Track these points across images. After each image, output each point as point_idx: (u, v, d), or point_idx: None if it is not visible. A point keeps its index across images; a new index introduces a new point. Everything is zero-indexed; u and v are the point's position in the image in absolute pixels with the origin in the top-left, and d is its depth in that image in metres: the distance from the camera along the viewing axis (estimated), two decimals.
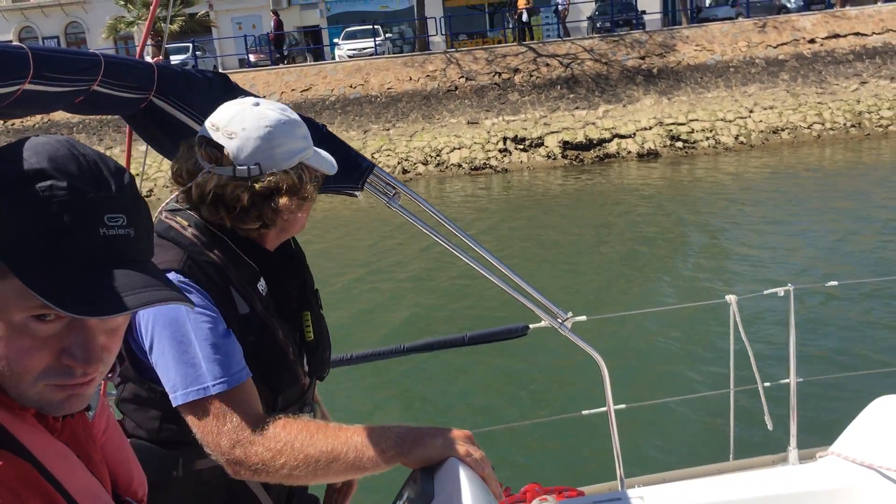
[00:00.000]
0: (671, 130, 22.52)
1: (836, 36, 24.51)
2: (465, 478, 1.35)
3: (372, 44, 30.03)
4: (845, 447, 2.81)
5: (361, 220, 17.44)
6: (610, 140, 22.59)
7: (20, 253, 0.88)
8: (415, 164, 22.38)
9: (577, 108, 23.84)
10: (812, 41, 24.53)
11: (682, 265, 12.19)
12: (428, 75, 25.17)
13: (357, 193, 2.16)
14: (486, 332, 2.82)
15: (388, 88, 24.99)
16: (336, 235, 16.09)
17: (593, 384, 2.26)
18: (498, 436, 6.01)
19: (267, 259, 1.67)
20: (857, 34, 24.45)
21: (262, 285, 1.62)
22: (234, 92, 1.80)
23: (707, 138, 22.24)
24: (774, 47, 24.53)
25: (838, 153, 20.64)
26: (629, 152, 22.14)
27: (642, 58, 24.99)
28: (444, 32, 35.05)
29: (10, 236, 0.89)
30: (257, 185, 1.54)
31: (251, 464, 1.42)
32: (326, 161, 1.70)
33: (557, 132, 22.62)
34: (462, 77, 25.04)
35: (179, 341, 1.47)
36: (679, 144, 22.22)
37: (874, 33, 24.17)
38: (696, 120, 22.75)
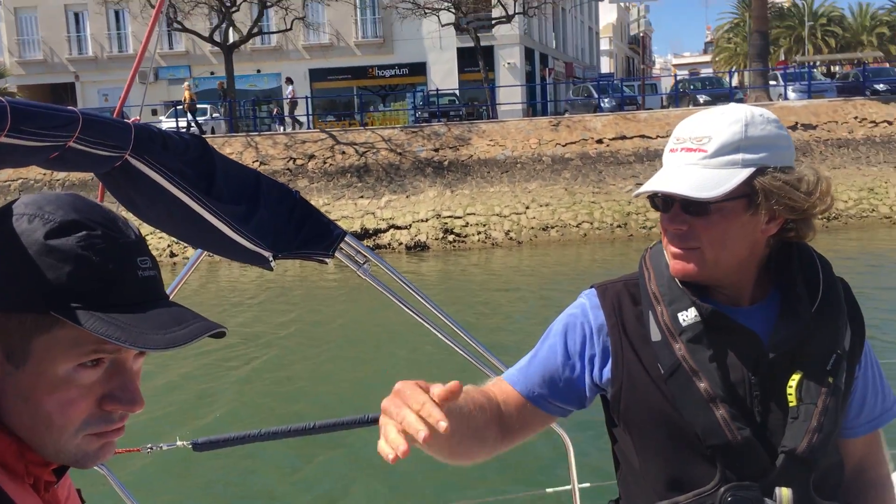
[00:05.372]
0: (446, 223, 22.64)
1: (623, 137, 25.21)
2: None
3: (201, 120, 30.11)
4: None
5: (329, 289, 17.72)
6: (386, 230, 22.59)
7: (71, 302, 0.92)
8: (185, 247, 21.96)
9: (361, 196, 23.87)
10: (600, 141, 25.17)
11: None
12: None
13: (327, 260, 2.15)
14: None
15: None
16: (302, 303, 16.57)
17: (558, 460, 2.13)
18: None
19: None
20: (642, 136, 25.19)
21: (687, 315, 1.54)
22: (211, 155, 1.75)
23: (479, 233, 22.39)
24: (563, 145, 25.09)
25: (594, 253, 20.96)
26: (400, 243, 22.13)
27: (436, 150, 25.28)
28: (309, 113, 35.39)
29: (53, 288, 0.92)
30: None
31: None
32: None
33: (335, 221, 22.54)
34: (257, 161, 24.95)
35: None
36: (451, 238, 22.31)
37: (658, 136, 24.91)
38: (473, 214, 22.95)
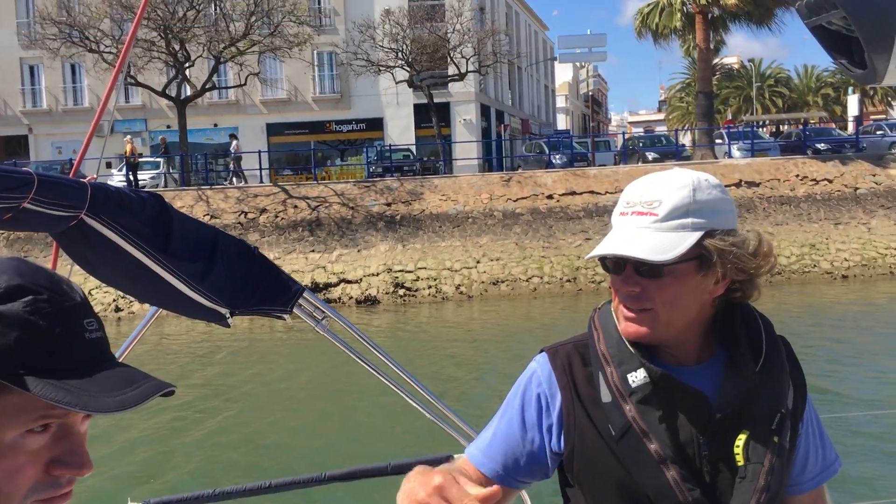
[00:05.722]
0: (397, 277, 22.64)
1: (573, 193, 25.61)
2: None
3: (152, 175, 30.11)
4: None
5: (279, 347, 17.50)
6: (336, 284, 22.51)
7: (19, 368, 0.90)
8: (131, 301, 21.65)
9: (313, 251, 23.82)
10: (550, 197, 25.53)
11: None
12: None
13: (285, 316, 2.15)
14: (409, 462, 2.70)
15: None
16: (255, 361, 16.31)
17: None
18: None
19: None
20: (592, 192, 25.61)
21: (636, 376, 1.55)
22: (169, 213, 1.76)
23: (430, 287, 22.42)
24: (514, 201, 25.39)
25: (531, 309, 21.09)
26: (350, 297, 22.05)
27: (389, 204, 25.41)
28: (265, 166, 35.40)
29: (1, 355, 0.90)
30: None
31: None
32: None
33: None
34: (207, 215, 24.81)
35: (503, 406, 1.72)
36: (401, 292, 22.31)
37: (607, 192, 25.36)
38: (424, 268, 23.00)
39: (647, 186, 1.58)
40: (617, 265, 1.58)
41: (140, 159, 30.06)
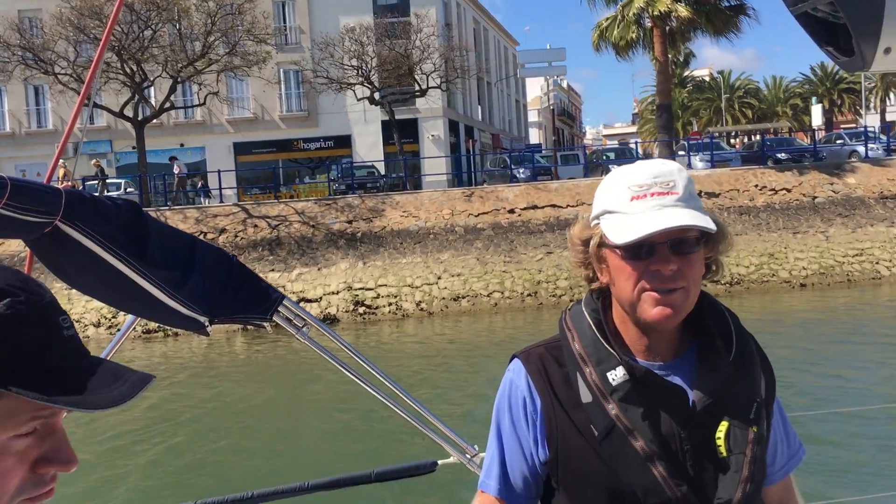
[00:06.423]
0: (357, 295, 22.50)
1: (535, 207, 25.59)
2: None
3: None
4: None
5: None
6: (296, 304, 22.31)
7: (9, 372, 0.88)
8: (86, 326, 21.40)
9: (272, 270, 23.62)
10: (512, 211, 25.50)
11: None
12: None
13: (265, 324, 2.14)
14: (393, 469, 2.79)
15: None
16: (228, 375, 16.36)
17: None
18: None
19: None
20: (553, 206, 25.61)
21: (616, 374, 1.54)
22: (145, 220, 1.74)
23: (390, 304, 22.28)
24: (476, 216, 25.34)
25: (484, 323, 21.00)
26: None
27: (350, 222, 25.29)
28: (232, 185, 35.20)
29: None
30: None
31: None
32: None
33: None
34: None
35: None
36: (361, 310, 22.15)
37: (569, 205, 25.37)
38: (385, 285, 22.87)
39: (653, 170, 1.55)
40: (643, 249, 1.51)
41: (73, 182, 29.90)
